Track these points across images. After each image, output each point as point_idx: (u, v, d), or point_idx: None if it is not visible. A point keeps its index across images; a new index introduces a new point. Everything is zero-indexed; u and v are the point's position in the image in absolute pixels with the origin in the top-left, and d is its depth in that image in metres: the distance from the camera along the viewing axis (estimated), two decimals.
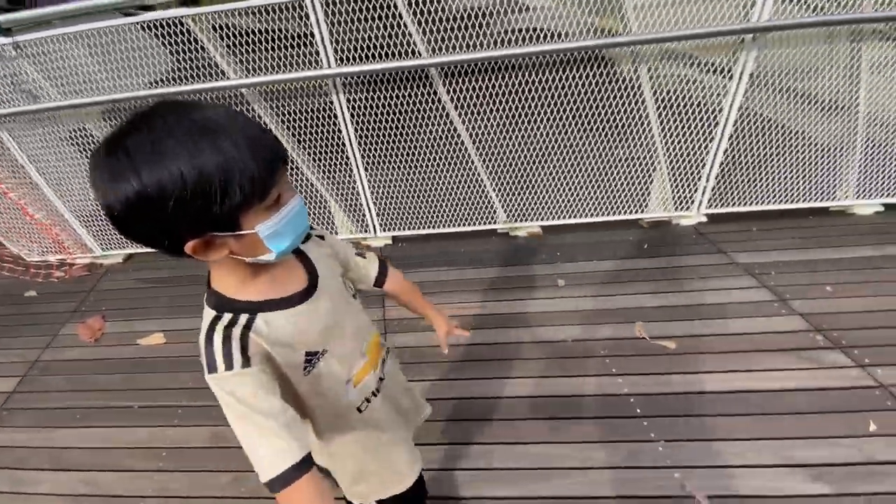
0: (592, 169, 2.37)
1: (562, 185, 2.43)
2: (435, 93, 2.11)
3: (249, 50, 1.98)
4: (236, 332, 0.61)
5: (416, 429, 1.01)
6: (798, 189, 2.36)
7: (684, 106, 2.10)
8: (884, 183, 2.32)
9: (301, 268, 0.72)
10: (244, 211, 0.55)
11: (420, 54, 1.97)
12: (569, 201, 2.49)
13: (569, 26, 1.97)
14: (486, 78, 2.14)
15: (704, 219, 2.49)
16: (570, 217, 2.55)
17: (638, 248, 2.39)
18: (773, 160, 2.28)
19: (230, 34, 1.95)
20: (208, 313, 0.64)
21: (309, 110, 2.17)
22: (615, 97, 2.09)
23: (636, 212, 2.50)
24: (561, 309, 2.09)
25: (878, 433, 1.45)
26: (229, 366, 0.59)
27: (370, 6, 1.85)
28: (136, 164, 0.49)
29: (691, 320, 1.93)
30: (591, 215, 2.52)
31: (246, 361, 0.60)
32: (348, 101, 2.12)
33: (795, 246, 2.25)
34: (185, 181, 0.50)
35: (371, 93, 2.12)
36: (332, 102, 2.11)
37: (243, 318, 0.63)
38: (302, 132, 2.28)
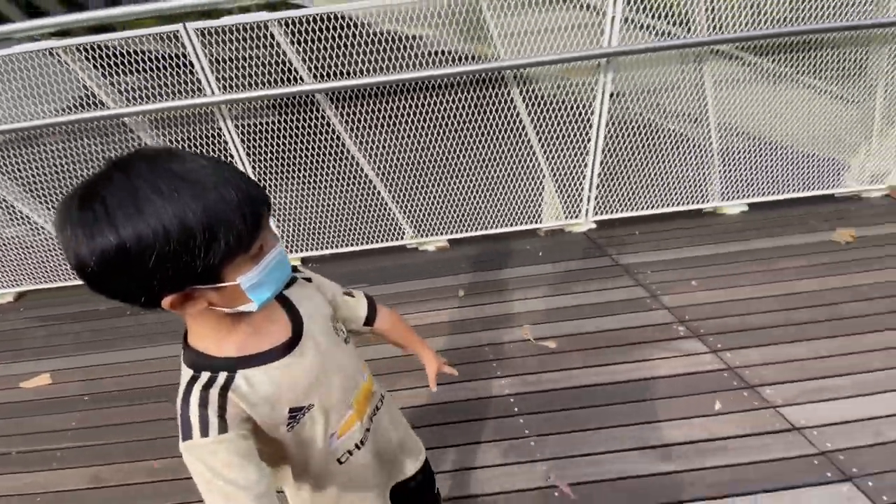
0: (490, 184, 2.51)
1: (464, 200, 2.55)
2: (324, 116, 2.18)
3: (129, 78, 1.98)
4: (214, 393, 0.58)
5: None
6: (672, 194, 2.60)
7: (559, 123, 2.29)
8: (745, 185, 2.60)
9: (283, 314, 0.68)
10: (227, 263, 0.53)
11: (303, 80, 2.04)
12: (472, 215, 2.61)
13: (448, 53, 2.11)
14: (380, 101, 2.24)
15: (594, 225, 2.68)
16: (474, 230, 2.66)
17: (534, 256, 2.54)
18: (647, 169, 2.51)
19: (107, 62, 1.94)
20: (185, 372, 0.61)
21: (196, 137, 2.18)
22: (495, 117, 2.25)
23: (533, 222, 2.66)
24: (459, 318, 2.17)
25: (721, 411, 1.61)
26: (205, 432, 0.56)
27: (251, 36, 1.91)
28: (114, 217, 0.46)
29: (573, 320, 2.07)
30: (493, 227, 2.65)
31: (223, 426, 0.57)
32: (237, 127, 2.16)
33: (670, 246, 2.46)
34: (167, 236, 0.47)
35: (262, 118, 2.16)
36: (219, 129, 2.13)
37: (222, 376, 0.59)
38: None
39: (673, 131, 2.40)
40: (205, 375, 0.59)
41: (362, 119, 2.24)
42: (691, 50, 2.14)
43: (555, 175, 2.48)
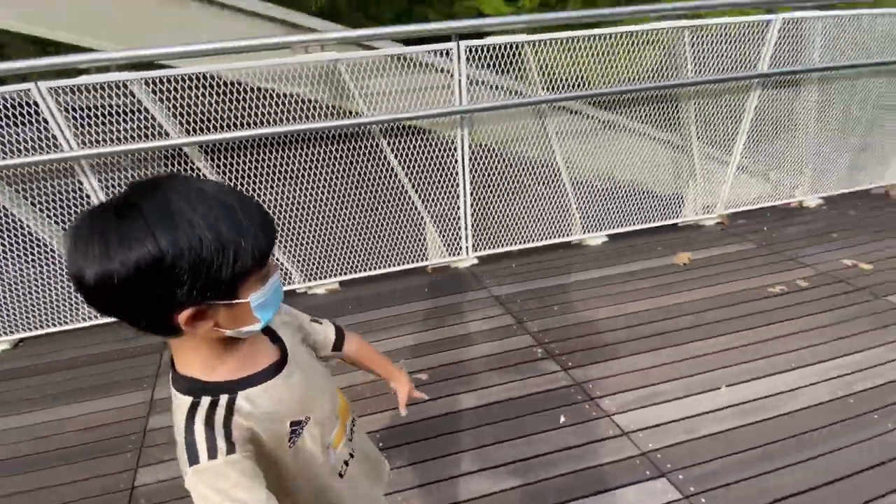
0: (376, 227, 2.64)
1: (351, 244, 2.65)
2: (196, 169, 2.23)
3: None
4: (219, 416, 0.59)
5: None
6: (542, 230, 2.87)
7: (430, 171, 2.50)
8: (604, 220, 2.94)
9: (267, 340, 0.71)
10: (244, 279, 0.56)
11: (168, 135, 2.09)
12: (361, 257, 2.71)
13: (321, 108, 2.26)
14: (257, 153, 2.33)
15: (476, 261, 2.88)
16: (363, 271, 2.76)
17: (421, 293, 2.66)
18: (516, 209, 2.77)
19: None
20: (183, 400, 0.61)
21: (54, 192, 2.13)
22: (370, 166, 2.41)
23: (420, 260, 2.81)
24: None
25: (566, 424, 1.77)
26: (213, 455, 0.56)
27: (109, 94, 1.95)
28: (154, 227, 0.49)
29: (447, 350, 2.19)
30: (382, 267, 2.76)
31: (230, 447, 0.58)
32: (100, 181, 2.14)
33: (540, 276, 2.70)
34: (200, 246, 0.50)
35: (127, 172, 2.17)
36: (80, 182, 2.11)
37: (224, 399, 0.61)
38: (57, 216, 2.22)
39: (533, 175, 2.70)
40: (206, 400, 0.60)
41: (240, 171, 2.31)
42: (534, 106, 2.47)
43: (433, 217, 2.67)
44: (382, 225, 2.64)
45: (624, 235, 3.01)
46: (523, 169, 2.66)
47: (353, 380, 1.95)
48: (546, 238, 2.90)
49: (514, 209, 2.76)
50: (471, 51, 2.15)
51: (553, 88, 2.40)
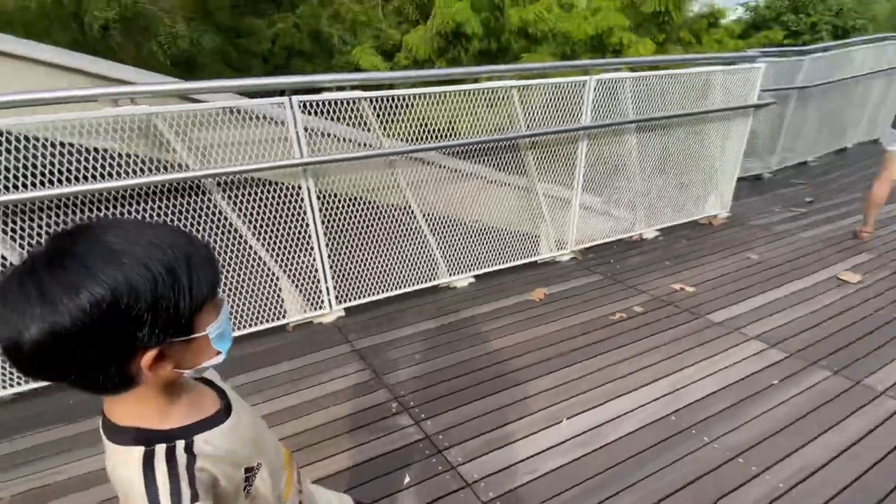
0: (223, 287, 2.43)
1: None
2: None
3: None
4: (181, 462, 0.56)
5: None
6: (409, 276, 2.87)
7: (279, 224, 2.39)
8: (469, 261, 3.03)
9: (208, 388, 0.69)
10: (199, 312, 0.55)
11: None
12: None
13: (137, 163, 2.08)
14: (62, 214, 2.05)
15: (343, 313, 2.77)
16: None
17: (280, 354, 2.47)
18: (380, 257, 2.75)
19: None
20: (132, 452, 0.56)
21: None
22: (204, 223, 2.25)
23: (279, 319, 2.63)
24: None
25: (411, 483, 1.68)
26: (177, 496, 0.54)
27: None
28: (96, 270, 0.47)
29: (303, 416, 2.01)
30: (236, 329, 2.53)
31: (195, 495, 0.55)
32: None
33: (406, 323, 2.66)
34: (154, 280, 0.48)
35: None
36: None
37: (181, 445, 0.58)
38: None
39: (392, 222, 2.71)
40: (161, 447, 0.57)
41: (41, 233, 2.01)
42: (385, 158, 2.52)
43: (288, 271, 2.54)
44: (229, 284, 2.44)
45: (490, 275, 3.12)
46: (381, 217, 2.66)
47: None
48: (414, 283, 2.90)
49: (378, 257, 2.73)
50: (305, 105, 2.14)
51: (409, 139, 2.47)
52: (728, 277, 3.00)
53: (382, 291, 2.83)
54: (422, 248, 2.84)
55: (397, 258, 2.79)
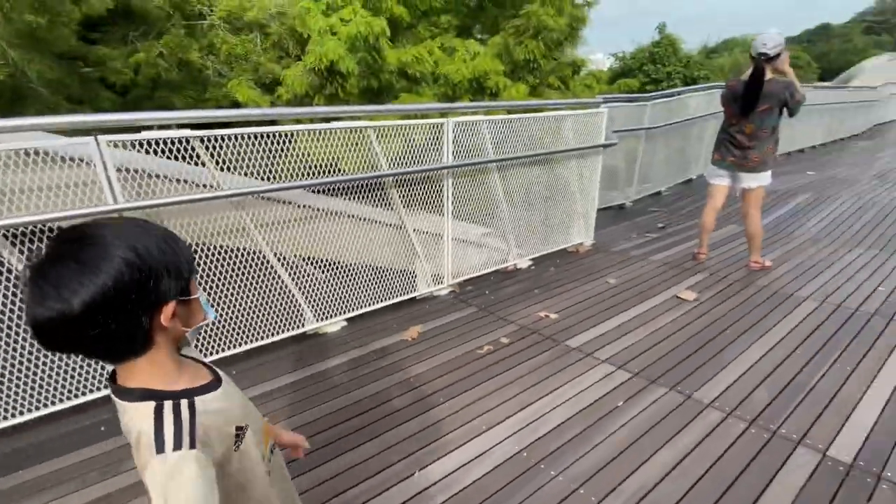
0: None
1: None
2: None
3: None
4: (185, 415, 0.68)
5: None
6: (272, 324, 2.67)
7: None
8: (338, 304, 2.90)
9: (200, 364, 0.82)
10: (192, 278, 0.72)
11: None
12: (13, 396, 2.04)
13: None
14: None
15: None
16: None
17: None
18: (233, 305, 2.52)
19: None
20: (145, 407, 0.68)
21: None
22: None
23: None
24: None
25: None
26: (178, 446, 0.66)
27: None
28: (117, 240, 0.61)
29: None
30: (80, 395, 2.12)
31: (193, 443, 0.67)
32: None
33: (271, 376, 2.44)
34: (157, 245, 0.65)
35: None
36: None
37: (184, 402, 0.70)
38: None
39: (246, 267, 2.51)
40: (168, 403, 0.69)
41: None
42: (235, 198, 2.35)
43: None
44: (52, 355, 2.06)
45: (364, 316, 3.02)
46: (229, 264, 2.46)
47: None
48: (274, 333, 2.69)
49: (227, 308, 2.50)
50: (121, 144, 1.93)
51: (267, 178, 2.32)
52: (588, 302, 3.22)
53: (242, 344, 2.59)
54: (281, 294, 2.66)
55: (251, 307, 2.58)
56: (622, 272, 3.73)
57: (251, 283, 2.55)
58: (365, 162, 2.62)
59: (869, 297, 3.20)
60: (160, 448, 0.65)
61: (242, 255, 2.47)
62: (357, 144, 2.61)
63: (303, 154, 2.40)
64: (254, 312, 2.60)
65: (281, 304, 2.69)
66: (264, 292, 2.60)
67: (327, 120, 2.71)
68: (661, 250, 4.21)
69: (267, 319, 2.65)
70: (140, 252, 0.61)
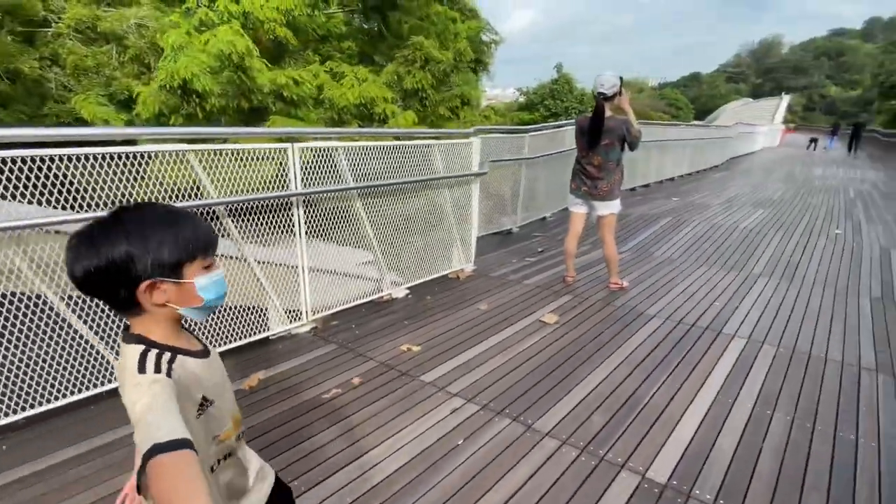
0: None
1: None
2: None
3: None
4: (164, 360, 0.82)
5: None
6: (56, 385, 2.24)
7: None
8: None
9: (199, 342, 0.96)
10: (189, 262, 0.85)
11: None
12: None
13: None
14: None
15: None
16: None
17: None
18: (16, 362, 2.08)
19: None
20: (135, 348, 0.83)
21: None
22: None
23: None
24: None
25: None
26: (157, 370, 0.80)
27: None
28: (120, 236, 0.79)
29: None
30: None
31: (168, 375, 0.80)
32: None
33: (46, 452, 2.03)
34: (166, 237, 0.82)
35: None
36: None
37: (167, 354, 0.84)
38: None
39: (23, 316, 2.10)
40: (154, 351, 0.83)
41: None
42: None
43: None
44: None
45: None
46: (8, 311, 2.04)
47: None
48: (72, 392, 2.25)
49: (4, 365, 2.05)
50: None
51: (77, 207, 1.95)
52: (455, 331, 3.17)
53: (25, 409, 2.13)
54: (75, 345, 2.23)
55: (33, 363, 2.13)
56: (496, 297, 3.76)
57: (31, 338, 2.11)
58: (189, 188, 2.36)
59: (704, 312, 3.53)
60: (141, 370, 0.79)
61: (15, 303, 2.05)
62: (179, 170, 2.34)
63: (101, 182, 2.09)
64: (35, 371, 2.16)
65: (74, 358, 2.24)
66: (47, 345, 2.16)
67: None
68: (537, 273, 4.34)
69: (52, 379, 2.20)
70: (134, 243, 0.79)
